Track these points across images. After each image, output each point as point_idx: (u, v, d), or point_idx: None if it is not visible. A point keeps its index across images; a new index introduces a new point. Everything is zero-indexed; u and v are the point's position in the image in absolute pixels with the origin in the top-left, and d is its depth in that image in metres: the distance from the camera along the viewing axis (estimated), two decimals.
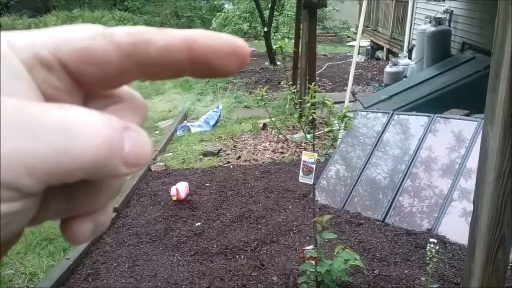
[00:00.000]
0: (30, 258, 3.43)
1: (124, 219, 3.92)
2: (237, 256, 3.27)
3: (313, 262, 2.57)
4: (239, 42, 0.25)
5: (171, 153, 5.52)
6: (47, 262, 3.35)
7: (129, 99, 0.28)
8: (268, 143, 5.65)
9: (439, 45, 7.21)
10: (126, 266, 3.23)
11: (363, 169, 4.05)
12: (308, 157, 2.64)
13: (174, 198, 4.07)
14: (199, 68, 0.25)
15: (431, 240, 2.36)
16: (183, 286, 2.96)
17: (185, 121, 6.80)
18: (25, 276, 3.23)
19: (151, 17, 16.35)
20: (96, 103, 0.27)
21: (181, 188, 4.12)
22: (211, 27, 13.18)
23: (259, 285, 2.93)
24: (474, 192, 1.83)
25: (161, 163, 5.11)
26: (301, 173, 2.70)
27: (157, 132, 6.53)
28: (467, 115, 4.71)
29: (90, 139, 0.20)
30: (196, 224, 3.74)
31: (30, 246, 3.58)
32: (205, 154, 5.35)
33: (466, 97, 5.35)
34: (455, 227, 3.31)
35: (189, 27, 11.50)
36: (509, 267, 2.30)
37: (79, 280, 3.11)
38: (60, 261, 3.29)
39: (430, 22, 7.57)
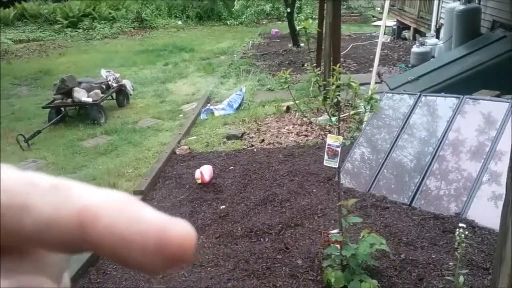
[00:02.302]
0: None
1: (150, 201, 3.98)
2: (261, 239, 3.28)
3: (338, 246, 2.56)
4: (171, 231, 0.18)
5: (195, 137, 5.54)
6: None
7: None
8: (292, 126, 5.61)
9: (468, 23, 6.96)
10: None
11: (389, 152, 3.98)
12: (333, 140, 2.60)
13: (199, 181, 4.10)
14: (104, 254, 0.18)
15: (460, 224, 2.31)
16: (209, 268, 2.99)
17: (209, 105, 6.80)
18: None
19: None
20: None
21: (205, 171, 4.14)
22: (233, 9, 13.08)
23: (283, 268, 2.94)
24: (506, 175, 1.76)
25: (185, 147, 5.14)
26: (326, 157, 2.67)
27: (181, 115, 6.56)
28: (498, 96, 4.56)
29: None
30: (221, 207, 3.76)
31: None
32: (229, 137, 5.35)
33: (496, 78, 5.17)
34: (485, 211, 3.23)
35: (212, 9, 11.42)
36: None
37: (108, 261, 3.17)
38: None
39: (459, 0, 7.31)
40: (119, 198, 0.18)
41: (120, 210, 0.18)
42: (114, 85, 6.74)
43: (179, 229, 0.18)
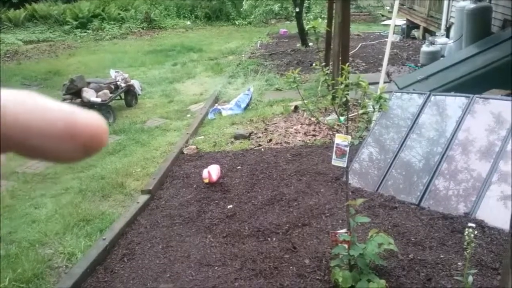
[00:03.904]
0: (68, 239, 3.54)
1: (157, 201, 3.99)
2: (268, 238, 3.27)
3: (345, 245, 2.54)
4: (80, 119, 0.18)
5: (202, 136, 5.55)
6: (84, 243, 3.45)
7: None
8: (300, 125, 5.60)
9: (479, 22, 6.89)
10: (160, 247, 3.29)
11: (397, 151, 3.95)
12: (341, 139, 2.59)
13: (206, 180, 4.11)
14: (18, 149, 0.18)
15: (469, 224, 2.29)
16: (216, 267, 2.99)
17: (216, 104, 6.81)
18: (63, 255, 3.34)
19: (182, 0, 16.36)
20: None
21: (213, 171, 4.14)
22: (242, 9, 13.09)
23: (291, 267, 2.93)
24: None
25: (193, 146, 5.15)
26: (334, 156, 2.66)
27: (188, 115, 6.57)
28: (508, 95, 4.51)
29: None
30: (228, 207, 3.76)
31: (68, 227, 3.70)
32: (237, 137, 5.35)
33: (507, 77, 5.11)
34: (494, 211, 3.19)
35: (220, 9, 11.46)
36: None
37: (115, 260, 3.19)
38: (97, 241, 3.39)
39: None
40: (23, 93, 0.18)
41: (24, 101, 0.18)
42: (123, 85, 6.78)
43: (88, 116, 0.18)
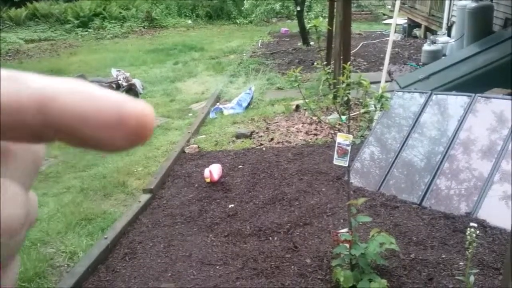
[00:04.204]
0: (70, 238, 3.55)
1: (159, 200, 3.99)
2: (270, 238, 3.27)
3: (347, 245, 2.54)
4: (128, 107, 0.18)
5: (204, 135, 5.55)
6: (86, 242, 3.46)
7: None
8: (301, 124, 5.60)
9: (480, 21, 6.88)
10: (162, 246, 3.30)
11: (399, 151, 3.95)
12: (343, 139, 2.59)
13: (208, 180, 4.11)
14: (67, 138, 0.18)
15: (471, 224, 2.28)
16: (217, 266, 2.99)
17: (218, 103, 6.81)
18: (65, 254, 3.35)
19: None
20: None
21: (214, 170, 4.14)
22: (243, 8, 13.08)
23: (292, 267, 2.93)
24: None
25: (195, 145, 5.15)
26: (335, 155, 2.66)
27: (190, 114, 6.58)
28: (510, 94, 4.50)
29: None
30: (230, 206, 3.76)
31: (70, 225, 3.71)
32: (238, 136, 5.35)
33: (509, 76, 5.10)
34: (496, 210, 3.19)
35: (221, 8, 11.45)
36: None
37: (117, 259, 3.20)
38: (99, 240, 3.39)
39: None
40: (73, 81, 0.18)
41: (75, 90, 0.18)
42: (124, 84, 6.78)
43: (137, 105, 0.18)
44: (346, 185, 3.27)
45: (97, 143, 0.18)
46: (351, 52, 6.69)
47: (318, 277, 2.81)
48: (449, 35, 8.65)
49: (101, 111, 0.17)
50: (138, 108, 0.18)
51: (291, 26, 13.27)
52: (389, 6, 15.35)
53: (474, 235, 2.16)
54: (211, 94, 7.33)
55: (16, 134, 0.18)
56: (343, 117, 2.65)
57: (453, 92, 4.30)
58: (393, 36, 5.64)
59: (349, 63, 2.54)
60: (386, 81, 5.50)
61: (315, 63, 2.86)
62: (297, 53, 9.94)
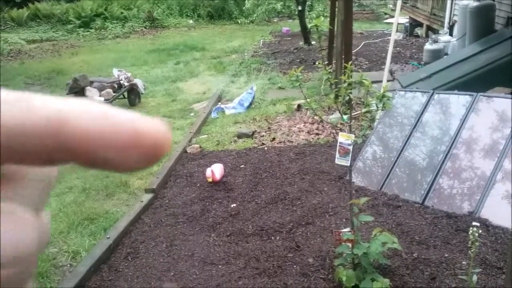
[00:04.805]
0: (72, 237, 3.55)
1: (161, 200, 4.00)
2: (272, 237, 3.27)
3: (349, 244, 2.54)
4: (143, 126, 0.18)
5: (205, 135, 5.56)
6: (88, 241, 3.46)
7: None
8: (303, 124, 5.59)
9: (482, 20, 6.87)
10: (164, 245, 3.30)
11: (401, 150, 3.94)
12: (344, 138, 2.59)
13: (210, 179, 4.11)
14: (82, 160, 0.18)
15: (473, 223, 2.28)
16: (219, 266, 3.00)
17: (219, 103, 6.81)
18: (68, 254, 3.35)
19: None
20: None
21: (216, 170, 4.14)
22: (244, 8, 13.07)
23: (294, 266, 2.93)
24: None
25: (196, 145, 5.16)
26: (337, 155, 2.66)
27: (191, 114, 6.58)
28: None
29: None
30: (232, 206, 3.76)
31: (73, 225, 3.71)
32: (240, 136, 5.35)
33: (510, 75, 5.09)
34: (499, 210, 3.19)
35: (223, 8, 11.43)
36: None
37: (119, 259, 3.20)
38: (101, 240, 3.40)
39: None
40: (86, 102, 0.18)
41: (89, 111, 0.17)
42: (126, 84, 6.79)
43: (153, 124, 0.18)
44: (348, 185, 3.27)
45: (112, 165, 0.18)
46: (353, 51, 6.69)
47: (321, 276, 2.81)
48: (451, 34, 8.64)
49: (117, 132, 0.17)
50: (154, 127, 0.18)
51: (292, 26, 13.27)
52: (391, 5, 15.34)
53: (476, 234, 2.15)
54: (213, 94, 7.33)
55: (30, 158, 0.18)
56: (345, 117, 2.65)
57: (455, 91, 4.29)
58: (395, 35, 5.63)
59: (350, 62, 2.54)
60: (388, 81, 5.50)
61: (316, 63, 2.87)
62: (299, 53, 9.93)
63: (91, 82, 6.43)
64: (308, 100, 2.68)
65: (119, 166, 0.18)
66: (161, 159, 0.19)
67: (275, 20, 15.58)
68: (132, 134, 0.17)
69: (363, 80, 2.34)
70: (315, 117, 5.54)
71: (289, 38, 11.99)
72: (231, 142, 5.25)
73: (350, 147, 2.59)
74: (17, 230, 0.17)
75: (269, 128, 5.59)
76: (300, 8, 10.23)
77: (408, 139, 4.00)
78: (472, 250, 2.18)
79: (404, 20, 11.64)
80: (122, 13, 15.36)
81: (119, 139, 0.17)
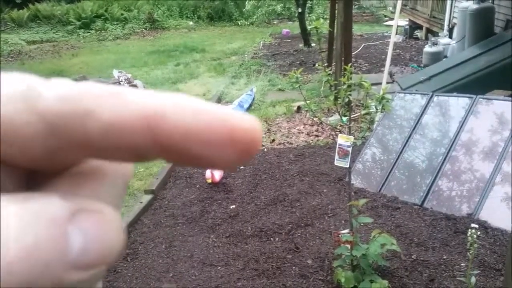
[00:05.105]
0: None
1: (160, 201, 4.00)
2: (271, 238, 3.28)
3: (348, 246, 2.55)
4: (239, 122, 0.17)
5: None
6: None
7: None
8: (303, 126, 5.60)
9: (482, 23, 6.89)
10: (163, 246, 3.30)
11: (400, 152, 3.95)
12: (344, 140, 2.60)
13: (209, 180, 4.12)
14: (174, 157, 0.17)
15: (472, 225, 2.29)
16: (219, 267, 3.00)
17: (219, 105, 6.80)
18: None
19: (185, 0, 16.38)
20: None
21: (215, 171, 4.15)
22: (244, 9, 13.10)
23: (293, 267, 2.93)
24: None
25: None
26: (336, 157, 2.66)
27: None
28: (511, 96, 4.50)
29: None
30: (231, 207, 3.76)
31: None
32: None
33: (510, 78, 5.11)
34: (497, 212, 3.19)
35: (223, 10, 11.45)
36: None
37: (118, 260, 3.20)
38: None
39: None
40: (178, 96, 0.17)
41: (184, 106, 0.17)
42: (126, 85, 6.80)
43: (247, 120, 0.17)
44: (347, 186, 3.28)
45: (206, 162, 0.17)
46: (352, 53, 6.70)
47: (320, 278, 2.81)
48: (450, 36, 8.66)
49: (211, 127, 0.16)
50: (250, 123, 0.17)
51: (292, 28, 13.29)
52: (391, 8, 15.37)
53: (475, 236, 2.16)
54: (213, 95, 7.34)
55: (120, 154, 0.17)
56: (344, 119, 2.66)
57: (454, 94, 4.30)
58: (394, 38, 5.64)
59: (350, 64, 2.55)
60: (387, 83, 5.51)
61: (316, 65, 2.87)
62: (298, 55, 9.95)
63: None
64: (307, 102, 2.69)
65: (214, 163, 0.17)
66: (254, 156, 0.18)
67: (275, 22, 15.61)
68: (229, 131, 0.17)
69: (363, 82, 2.35)
70: (315, 119, 5.55)
71: (289, 40, 12.01)
72: None
73: (350, 149, 2.60)
74: (105, 230, 0.17)
75: (268, 129, 5.60)
76: (300, 10, 10.24)
77: (407, 141, 4.00)
78: (470, 252, 2.19)
79: (403, 22, 11.67)
80: (122, 14, 15.38)
81: (216, 136, 0.16)
